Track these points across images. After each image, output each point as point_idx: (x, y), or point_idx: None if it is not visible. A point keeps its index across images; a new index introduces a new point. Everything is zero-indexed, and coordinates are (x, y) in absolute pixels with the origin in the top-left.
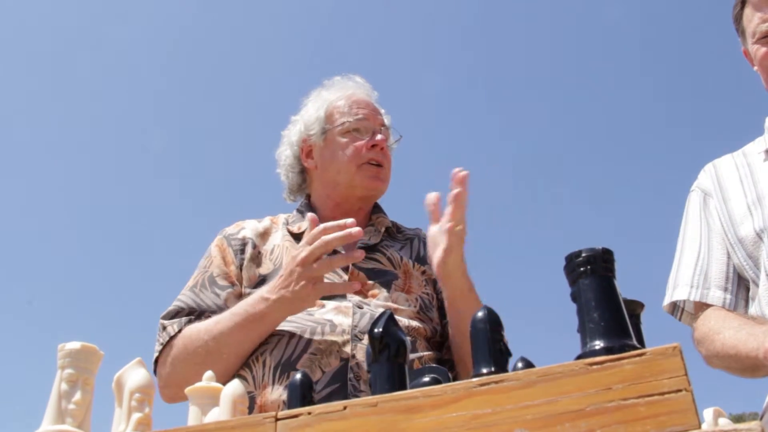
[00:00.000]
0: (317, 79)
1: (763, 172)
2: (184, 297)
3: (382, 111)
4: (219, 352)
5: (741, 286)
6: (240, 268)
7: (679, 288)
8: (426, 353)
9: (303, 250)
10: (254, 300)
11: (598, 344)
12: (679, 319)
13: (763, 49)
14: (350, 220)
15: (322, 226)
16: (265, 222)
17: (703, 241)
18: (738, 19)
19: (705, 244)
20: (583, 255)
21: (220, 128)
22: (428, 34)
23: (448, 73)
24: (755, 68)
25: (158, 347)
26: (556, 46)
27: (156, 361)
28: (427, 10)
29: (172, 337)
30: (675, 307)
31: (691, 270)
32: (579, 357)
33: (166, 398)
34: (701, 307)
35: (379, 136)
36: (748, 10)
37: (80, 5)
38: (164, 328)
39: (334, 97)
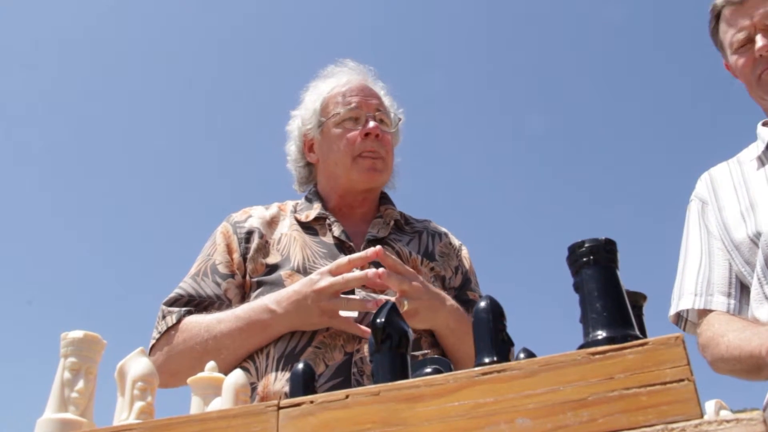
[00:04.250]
0: (317, 72)
1: (756, 179)
2: (185, 285)
3: (381, 92)
4: (217, 352)
5: (744, 291)
6: (244, 257)
7: (684, 297)
8: (430, 350)
9: (323, 279)
10: (259, 308)
11: (601, 334)
12: (684, 329)
13: (742, 59)
14: (372, 251)
15: (347, 258)
16: (273, 209)
17: (704, 248)
18: (714, 34)
19: (706, 252)
20: (586, 245)
21: (219, 121)
22: (429, 32)
23: (451, 72)
24: (738, 79)
25: (156, 335)
26: (557, 46)
27: (152, 347)
28: (427, 9)
29: (170, 327)
30: (679, 318)
31: (694, 278)
32: (581, 347)
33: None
34: (704, 314)
35: (371, 123)
36: (722, 25)
37: (81, 5)
38: (164, 316)
39: (328, 87)
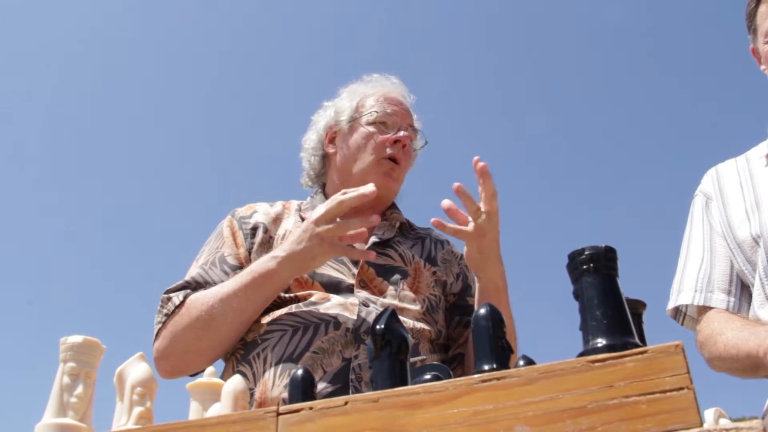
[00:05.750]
0: (320, 77)
1: (763, 178)
2: (193, 272)
3: (414, 116)
4: (224, 315)
5: (744, 289)
6: (249, 251)
7: (684, 293)
8: (429, 356)
9: (318, 209)
10: (263, 259)
11: (600, 342)
12: (682, 324)
13: None
14: (370, 187)
15: (342, 191)
16: (277, 207)
17: (706, 244)
18: (751, 16)
19: (708, 248)
20: (586, 253)
21: (215, 123)
22: (430, 32)
23: (452, 73)
24: (762, 67)
25: (161, 318)
26: (558, 47)
27: (158, 333)
28: (428, 10)
29: (176, 307)
30: (678, 312)
31: (695, 274)
32: (581, 354)
33: (163, 372)
34: (704, 310)
35: (402, 133)
36: (763, 8)
37: (84, 6)
38: (169, 299)
39: (369, 91)
